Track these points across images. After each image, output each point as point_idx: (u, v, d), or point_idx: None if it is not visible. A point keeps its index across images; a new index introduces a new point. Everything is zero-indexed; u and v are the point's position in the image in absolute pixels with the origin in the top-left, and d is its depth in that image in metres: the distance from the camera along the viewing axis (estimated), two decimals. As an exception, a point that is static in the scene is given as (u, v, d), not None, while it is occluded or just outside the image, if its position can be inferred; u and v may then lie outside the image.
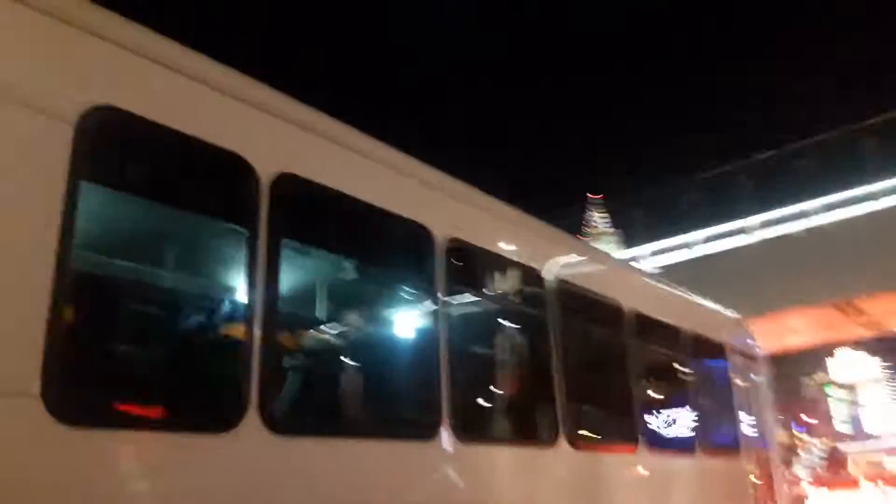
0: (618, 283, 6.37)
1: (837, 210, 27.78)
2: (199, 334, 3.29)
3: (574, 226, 39.72)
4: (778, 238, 30.40)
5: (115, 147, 2.92)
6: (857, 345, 31.13)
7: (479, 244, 4.70)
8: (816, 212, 29.08)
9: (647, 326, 6.26)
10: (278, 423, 3.14)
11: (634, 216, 38.59)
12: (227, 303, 3.37)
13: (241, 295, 3.23)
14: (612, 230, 46.53)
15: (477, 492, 4.19)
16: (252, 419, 3.03)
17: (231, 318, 3.29)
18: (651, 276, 7.34)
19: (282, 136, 3.62)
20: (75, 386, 2.55)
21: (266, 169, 3.36)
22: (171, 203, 3.25)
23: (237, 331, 3.16)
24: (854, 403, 32.79)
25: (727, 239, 32.56)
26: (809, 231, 28.83)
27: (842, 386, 33.07)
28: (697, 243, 33.78)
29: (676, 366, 6.82)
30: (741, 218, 32.44)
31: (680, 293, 7.57)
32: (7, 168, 2.55)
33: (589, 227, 46.50)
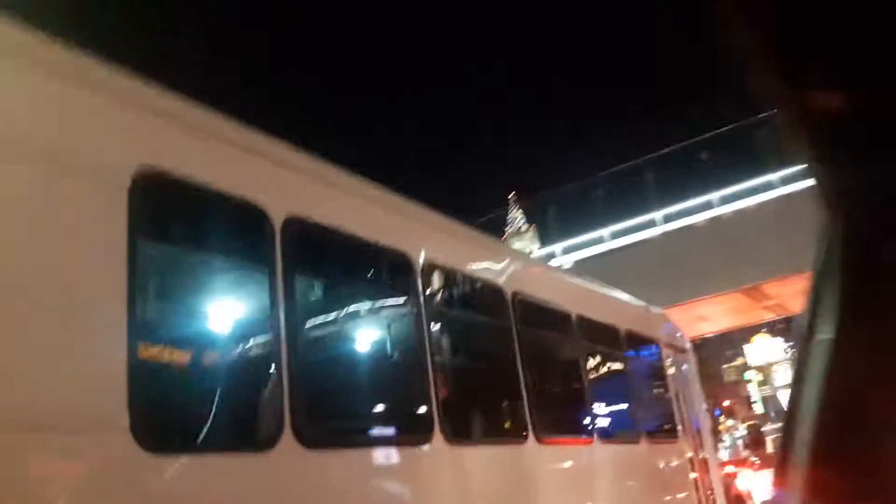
0: (567, 292, 7.18)
1: (738, 201, 29.72)
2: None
3: (492, 224, 40.68)
4: (683, 229, 32.28)
5: (164, 205, 3.40)
6: (772, 328, 33.26)
7: (452, 265, 5.37)
8: (718, 203, 31.13)
9: (591, 329, 7.09)
10: (309, 440, 3.69)
11: (548, 214, 40.05)
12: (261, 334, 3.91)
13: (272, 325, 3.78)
14: (528, 227, 47.87)
15: (464, 487, 4.86)
16: (288, 438, 3.58)
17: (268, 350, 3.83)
18: (592, 282, 8.17)
19: (289, 183, 4.17)
20: (160, 419, 3.05)
21: (278, 213, 3.90)
22: (207, 249, 3.77)
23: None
24: (770, 385, 35.17)
25: (636, 233, 34.31)
26: (713, 221, 30.82)
27: (758, 369, 35.40)
28: (608, 238, 35.48)
29: (619, 364, 7.72)
30: (648, 212, 34.28)
31: (615, 295, 8.48)
32: (78, 231, 3.02)
33: (507, 226, 47.64)
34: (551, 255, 37.03)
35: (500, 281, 5.85)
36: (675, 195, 33.77)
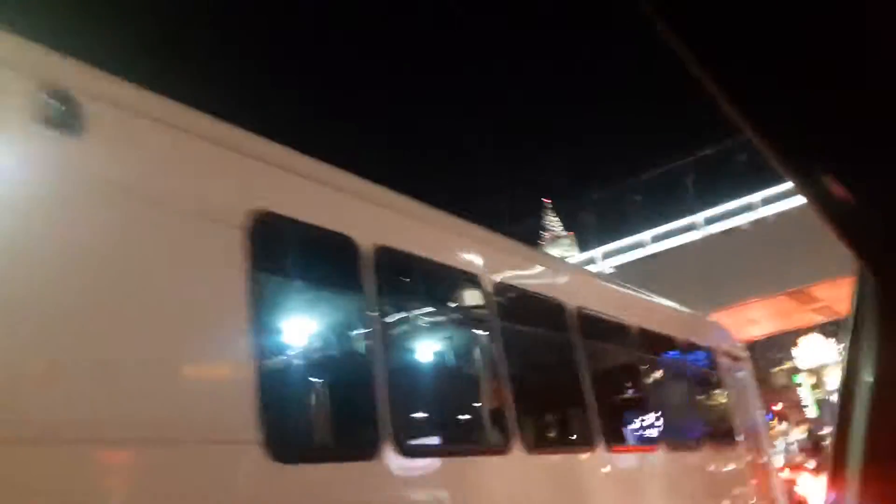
0: (628, 305, 7.52)
1: (782, 201, 29.53)
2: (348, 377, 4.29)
3: (527, 232, 40.95)
4: (726, 232, 32.16)
5: (274, 240, 3.84)
6: (821, 329, 32.75)
7: (520, 285, 5.75)
8: (760, 204, 30.98)
9: (652, 341, 7.43)
10: (406, 450, 4.10)
11: (586, 220, 40.23)
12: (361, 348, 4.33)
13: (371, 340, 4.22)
14: (565, 234, 47.88)
15: (542, 492, 5.21)
16: (388, 447, 3.99)
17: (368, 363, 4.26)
18: (649, 296, 8.47)
19: (376, 217, 4.62)
20: (284, 432, 3.46)
21: (367, 244, 4.33)
22: (309, 277, 4.23)
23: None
24: (822, 388, 34.64)
25: (677, 237, 34.23)
26: (756, 223, 30.69)
27: (810, 372, 34.92)
28: (648, 243, 35.48)
29: (679, 373, 8.04)
30: (688, 215, 34.21)
31: (672, 306, 8.79)
32: (204, 265, 3.47)
33: (544, 232, 47.79)
34: (590, 261, 37.20)
35: (565, 298, 6.20)
36: (715, 197, 33.58)
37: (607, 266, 35.15)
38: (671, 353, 7.92)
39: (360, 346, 4.34)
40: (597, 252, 38.40)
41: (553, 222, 48.73)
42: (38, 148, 2.96)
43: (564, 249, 45.73)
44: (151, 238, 3.30)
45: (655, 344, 7.52)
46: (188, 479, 3.12)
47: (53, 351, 2.81)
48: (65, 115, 3.03)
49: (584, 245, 43.15)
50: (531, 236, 43.24)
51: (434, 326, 5.33)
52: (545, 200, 49.01)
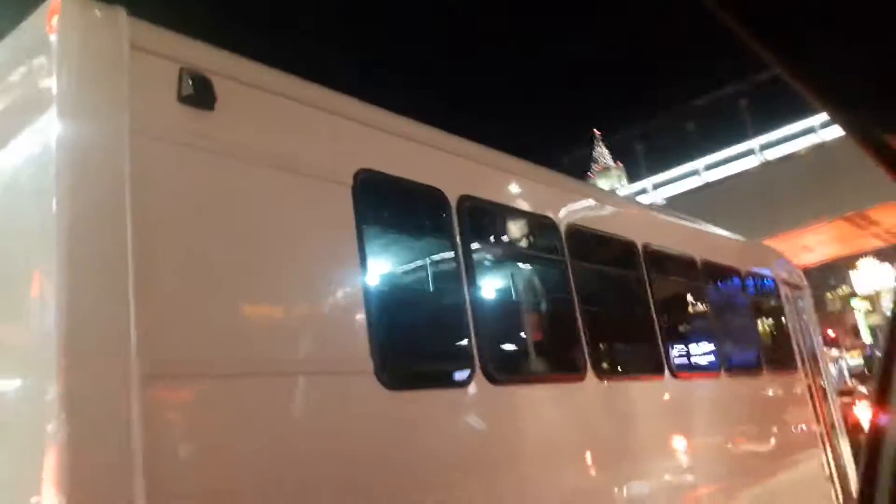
0: (690, 239, 7.83)
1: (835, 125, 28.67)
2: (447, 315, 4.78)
3: (576, 163, 40.69)
4: (783, 158, 31.55)
5: (376, 195, 4.27)
6: (879, 255, 32.22)
7: (589, 225, 6.10)
8: (819, 128, 30.23)
9: (714, 272, 7.77)
10: (493, 378, 4.57)
11: (636, 150, 39.81)
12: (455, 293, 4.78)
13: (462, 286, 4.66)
14: (614, 164, 47.51)
15: (613, 416, 5.67)
16: (479, 375, 4.47)
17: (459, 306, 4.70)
18: (709, 227, 8.72)
19: (460, 169, 5.00)
20: (392, 363, 3.96)
21: (453, 194, 4.73)
22: (406, 226, 4.67)
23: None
24: (879, 313, 34.31)
25: (732, 163, 33.71)
26: (815, 147, 30.02)
27: (865, 298, 34.54)
28: (702, 171, 35.03)
29: (740, 302, 8.37)
30: (744, 141, 33.60)
31: (733, 237, 9.05)
32: (321, 219, 3.91)
33: (593, 163, 47.49)
34: (642, 192, 37.00)
35: (631, 234, 6.55)
36: (772, 123, 32.84)
37: (659, 196, 34.98)
38: (733, 282, 8.23)
39: (452, 286, 4.77)
40: (647, 182, 38.13)
41: (602, 153, 48.25)
42: (180, 122, 3.40)
43: (614, 180, 45.45)
44: (278, 197, 3.75)
45: (717, 274, 7.86)
46: (321, 403, 3.65)
47: (218, 301, 3.32)
48: (200, 93, 3.45)
49: (634, 175, 42.81)
50: (580, 167, 42.90)
51: (514, 266, 5.75)
52: (594, 131, 48.41)
